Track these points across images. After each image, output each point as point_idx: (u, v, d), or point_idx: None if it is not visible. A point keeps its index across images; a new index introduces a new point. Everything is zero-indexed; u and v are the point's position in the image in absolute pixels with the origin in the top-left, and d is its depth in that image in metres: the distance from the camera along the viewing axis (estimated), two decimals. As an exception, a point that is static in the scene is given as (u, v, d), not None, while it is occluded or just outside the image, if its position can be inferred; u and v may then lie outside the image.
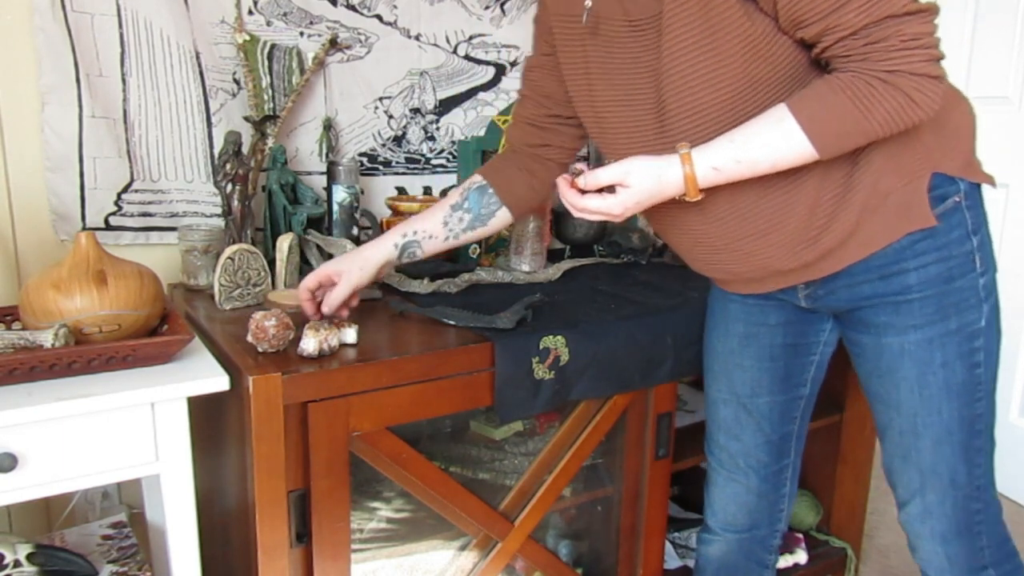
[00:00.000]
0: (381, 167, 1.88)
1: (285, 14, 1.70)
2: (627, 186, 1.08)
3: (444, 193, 1.95)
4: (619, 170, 1.08)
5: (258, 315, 1.21)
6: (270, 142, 1.64)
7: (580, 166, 1.13)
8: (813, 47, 1.03)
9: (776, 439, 1.40)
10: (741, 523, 1.46)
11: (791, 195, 1.11)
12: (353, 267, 1.32)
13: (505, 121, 1.73)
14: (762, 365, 1.34)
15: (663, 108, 1.11)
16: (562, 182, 1.14)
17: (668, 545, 1.87)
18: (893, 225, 1.11)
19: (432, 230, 1.36)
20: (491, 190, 1.35)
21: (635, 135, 1.17)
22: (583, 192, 1.12)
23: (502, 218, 1.38)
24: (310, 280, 1.32)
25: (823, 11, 0.97)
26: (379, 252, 1.35)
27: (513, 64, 1.99)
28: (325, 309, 1.31)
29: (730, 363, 1.37)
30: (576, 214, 1.14)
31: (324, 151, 1.77)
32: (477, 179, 1.38)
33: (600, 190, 1.11)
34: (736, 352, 1.36)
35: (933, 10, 0.97)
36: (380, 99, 1.85)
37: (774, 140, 1.02)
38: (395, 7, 1.82)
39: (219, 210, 1.62)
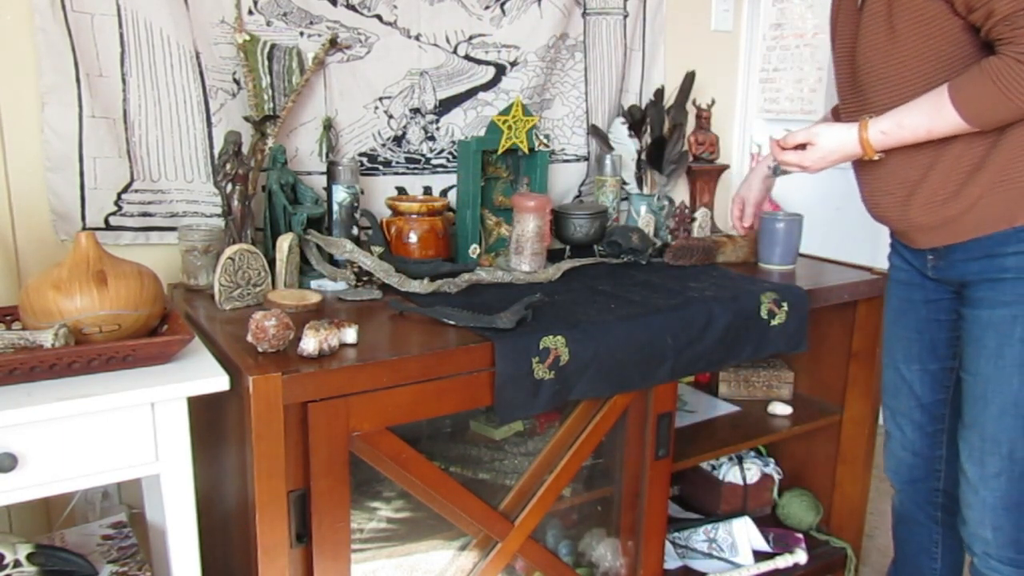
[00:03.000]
0: (381, 167, 1.88)
1: (285, 14, 1.70)
2: (815, 144, 1.44)
3: (444, 193, 1.96)
4: (809, 132, 1.45)
5: (258, 315, 1.21)
6: (270, 142, 1.64)
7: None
8: (980, 31, 1.25)
9: (928, 404, 1.60)
10: (904, 475, 1.69)
11: (937, 156, 1.36)
12: (745, 190, 1.88)
13: (505, 121, 1.72)
14: (910, 336, 1.59)
15: (856, 74, 1.44)
16: (772, 141, 1.54)
17: (668, 545, 1.87)
18: (1008, 212, 1.32)
19: None
20: None
21: (843, 93, 1.52)
22: (784, 149, 1.49)
23: None
24: (735, 208, 1.89)
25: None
26: (758, 173, 1.86)
27: (513, 64, 1.99)
28: (747, 222, 1.88)
29: (890, 335, 1.65)
30: (778, 161, 1.53)
31: (324, 151, 1.76)
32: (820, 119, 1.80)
33: (796, 147, 1.47)
34: (892, 323, 1.64)
35: None
36: (380, 99, 1.85)
37: (930, 111, 1.29)
38: (395, 7, 1.82)
39: (219, 210, 1.62)
